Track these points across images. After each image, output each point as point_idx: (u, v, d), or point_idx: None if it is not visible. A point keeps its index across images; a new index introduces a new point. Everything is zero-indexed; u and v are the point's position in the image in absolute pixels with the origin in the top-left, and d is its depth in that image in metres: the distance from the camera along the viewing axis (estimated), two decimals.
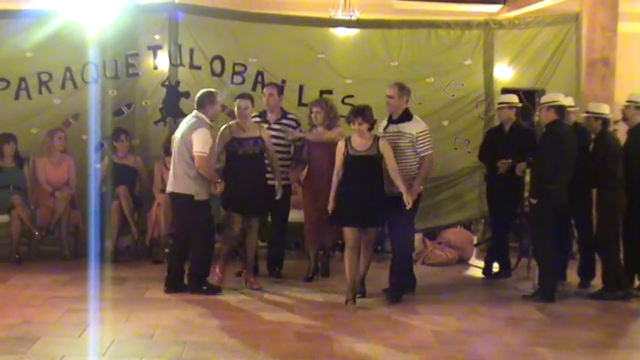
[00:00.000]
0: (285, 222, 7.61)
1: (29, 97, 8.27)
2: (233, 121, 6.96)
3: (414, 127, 6.61)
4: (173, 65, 8.39)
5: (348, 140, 6.45)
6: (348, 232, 6.40)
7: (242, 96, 6.98)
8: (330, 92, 8.36)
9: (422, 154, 6.59)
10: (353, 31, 8.74)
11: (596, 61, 8.53)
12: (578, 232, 7.56)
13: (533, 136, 7.46)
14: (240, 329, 5.69)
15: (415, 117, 6.73)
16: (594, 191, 7.08)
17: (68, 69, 8.25)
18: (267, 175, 6.99)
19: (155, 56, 8.40)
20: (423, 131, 6.62)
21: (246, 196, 6.76)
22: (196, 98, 6.71)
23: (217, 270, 6.93)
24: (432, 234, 8.75)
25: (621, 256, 7.02)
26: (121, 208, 7.95)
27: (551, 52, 8.66)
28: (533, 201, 6.72)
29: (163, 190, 7.28)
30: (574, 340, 5.68)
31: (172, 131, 7.28)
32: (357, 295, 6.48)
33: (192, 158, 6.45)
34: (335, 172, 6.49)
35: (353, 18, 9.46)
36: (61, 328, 5.57)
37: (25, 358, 4.91)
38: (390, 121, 6.73)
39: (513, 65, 8.73)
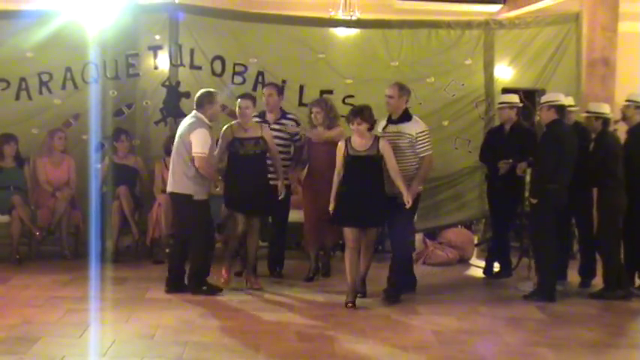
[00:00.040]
0: (286, 222, 7.61)
1: (29, 97, 8.26)
2: (235, 121, 6.97)
3: (414, 128, 6.60)
4: (173, 65, 8.38)
5: (348, 140, 6.44)
6: (349, 233, 6.40)
7: (243, 96, 6.97)
8: (330, 92, 8.35)
9: (421, 155, 6.59)
10: (353, 31, 8.74)
11: (597, 60, 8.52)
12: (579, 231, 7.57)
13: (534, 135, 7.44)
14: (240, 329, 5.69)
15: (415, 117, 6.73)
16: (595, 191, 7.08)
17: (68, 69, 8.25)
18: (270, 175, 6.98)
19: (155, 56, 8.40)
20: (423, 132, 6.61)
21: (248, 196, 6.75)
22: (195, 98, 6.70)
23: (223, 271, 6.92)
24: (432, 234, 8.74)
25: (622, 255, 7.02)
26: (121, 208, 7.95)
27: (551, 52, 8.65)
28: (534, 200, 6.72)
29: (164, 190, 7.27)
30: (575, 339, 5.67)
31: (173, 131, 7.28)
32: (358, 295, 6.48)
33: (191, 159, 6.45)
34: (336, 172, 6.48)
35: (353, 18, 9.46)
36: (61, 329, 5.57)
37: (25, 358, 4.91)
38: (390, 121, 6.72)
39: (514, 65, 8.73)
